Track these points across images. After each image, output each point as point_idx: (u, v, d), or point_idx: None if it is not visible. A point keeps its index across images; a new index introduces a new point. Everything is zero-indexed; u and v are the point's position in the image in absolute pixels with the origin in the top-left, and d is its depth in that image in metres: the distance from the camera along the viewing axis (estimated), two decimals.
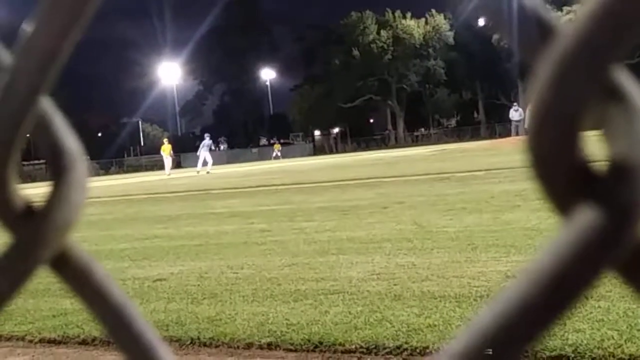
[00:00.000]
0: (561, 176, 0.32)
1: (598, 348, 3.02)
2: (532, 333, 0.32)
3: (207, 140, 40.96)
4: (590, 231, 0.31)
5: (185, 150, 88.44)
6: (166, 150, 41.76)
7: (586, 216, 0.31)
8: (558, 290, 0.31)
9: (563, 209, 0.33)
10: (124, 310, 0.51)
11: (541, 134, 0.32)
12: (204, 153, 39.92)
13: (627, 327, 3.22)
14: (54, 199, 0.46)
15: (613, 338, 3.10)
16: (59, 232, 0.46)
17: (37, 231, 0.46)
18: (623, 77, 0.32)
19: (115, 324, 0.50)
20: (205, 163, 39.24)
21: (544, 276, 0.31)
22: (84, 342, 4.08)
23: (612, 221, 0.31)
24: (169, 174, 38.48)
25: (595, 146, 0.34)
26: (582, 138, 0.32)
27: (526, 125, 0.32)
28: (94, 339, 4.07)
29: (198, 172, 37.44)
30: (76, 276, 0.49)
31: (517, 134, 35.06)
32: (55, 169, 0.47)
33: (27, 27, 0.42)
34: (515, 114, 39.87)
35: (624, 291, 3.30)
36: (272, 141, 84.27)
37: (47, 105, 0.46)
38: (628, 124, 0.31)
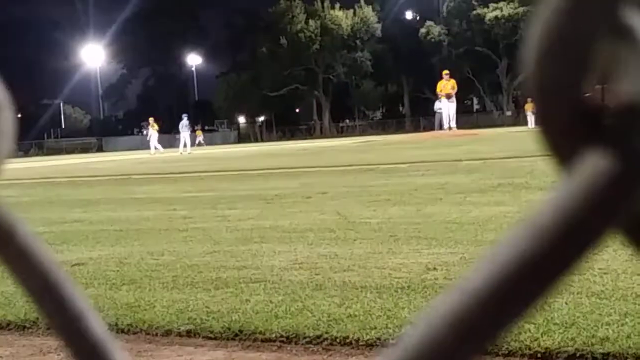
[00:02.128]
0: (567, 117, 0.30)
1: (514, 341, 3.07)
2: (532, 293, 0.30)
3: (184, 121, 42.67)
4: (600, 177, 0.29)
5: (107, 134, 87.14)
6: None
7: (595, 162, 0.29)
8: (564, 243, 0.29)
9: (568, 155, 0.30)
10: (51, 274, 0.47)
11: (547, 70, 0.30)
12: (184, 134, 41.89)
13: (543, 321, 3.27)
14: None
15: (530, 331, 3.15)
16: None
17: None
18: (635, 18, 0.30)
19: (42, 287, 0.47)
20: (184, 144, 41.14)
21: (549, 229, 0.29)
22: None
23: (625, 165, 0.29)
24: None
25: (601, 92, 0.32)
26: (591, 78, 0.30)
27: (530, 59, 0.30)
28: (8, 323, 3.98)
29: (181, 153, 39.11)
30: None
31: (440, 127, 35.34)
32: None
33: None
34: (438, 104, 39.95)
35: (545, 300, 3.36)
36: (195, 128, 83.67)
37: None
38: (638, 66, 0.30)
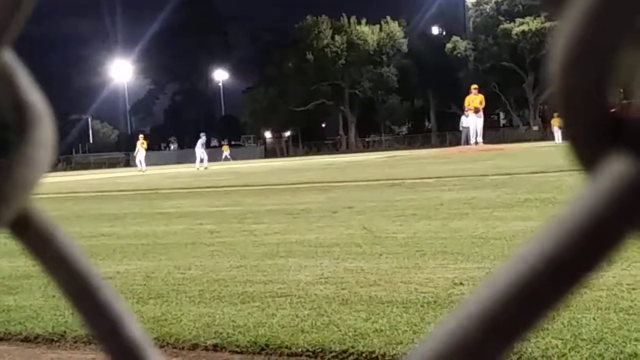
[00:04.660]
0: (592, 125, 0.31)
1: (542, 357, 3.05)
2: (557, 292, 0.30)
3: (203, 139, 45.17)
4: (622, 182, 0.30)
5: (134, 149, 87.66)
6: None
7: (618, 167, 0.30)
8: (587, 244, 0.30)
9: (592, 161, 0.31)
10: (89, 278, 0.48)
11: (571, 79, 0.30)
12: (199, 150, 44.22)
13: (571, 336, 3.25)
14: (17, 156, 0.44)
15: (557, 347, 3.13)
16: (21, 192, 0.44)
17: None
18: None
19: (79, 292, 0.48)
20: (201, 160, 43.31)
21: (575, 228, 0.30)
22: (26, 340, 4.01)
23: None
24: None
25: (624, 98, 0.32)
26: (615, 87, 0.31)
27: (555, 70, 0.31)
28: (36, 337, 4.00)
29: (197, 168, 41.12)
30: (37, 240, 0.47)
31: (466, 142, 35.16)
32: (19, 125, 0.45)
33: None
34: (465, 120, 39.78)
35: (569, 300, 3.34)
36: (222, 142, 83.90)
37: (10, 59, 0.44)
38: None
